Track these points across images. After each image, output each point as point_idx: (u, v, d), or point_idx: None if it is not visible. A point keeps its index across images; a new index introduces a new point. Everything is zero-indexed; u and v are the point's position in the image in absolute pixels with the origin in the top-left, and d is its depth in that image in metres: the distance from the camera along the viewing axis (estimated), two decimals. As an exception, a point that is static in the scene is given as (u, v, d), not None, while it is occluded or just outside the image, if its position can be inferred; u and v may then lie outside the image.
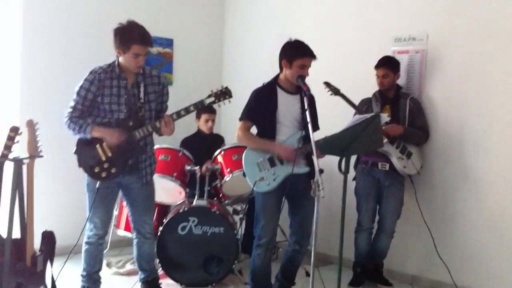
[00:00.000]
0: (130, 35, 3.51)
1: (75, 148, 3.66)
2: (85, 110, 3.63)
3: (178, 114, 3.68)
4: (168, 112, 3.82)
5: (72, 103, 3.63)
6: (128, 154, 3.64)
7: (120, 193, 3.90)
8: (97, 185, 3.64)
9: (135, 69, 3.62)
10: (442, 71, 4.62)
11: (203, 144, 5.10)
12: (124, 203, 4.55)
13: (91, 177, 3.65)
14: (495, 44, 4.33)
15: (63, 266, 3.76)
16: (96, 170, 3.60)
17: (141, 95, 3.67)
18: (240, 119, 3.89)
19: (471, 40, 4.45)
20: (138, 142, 3.65)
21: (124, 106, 3.63)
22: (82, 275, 3.83)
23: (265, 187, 3.78)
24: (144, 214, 3.88)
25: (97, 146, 3.58)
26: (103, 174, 3.60)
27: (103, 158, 3.59)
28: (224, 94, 3.76)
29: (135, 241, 3.96)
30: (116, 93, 3.62)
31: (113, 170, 3.61)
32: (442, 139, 4.62)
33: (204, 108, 5.03)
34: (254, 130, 3.95)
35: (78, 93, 3.61)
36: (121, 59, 3.62)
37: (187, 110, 3.68)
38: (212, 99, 3.75)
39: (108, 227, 3.90)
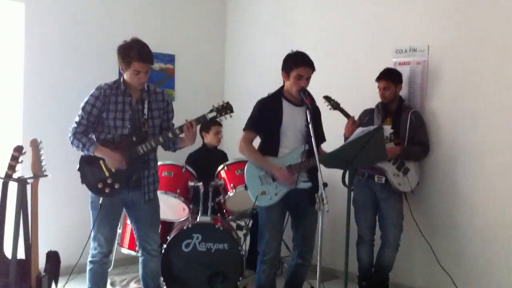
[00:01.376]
0: (130, 52, 3.54)
1: (78, 165, 3.67)
2: (90, 126, 3.64)
3: (181, 129, 3.65)
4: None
5: (77, 119, 3.64)
6: (131, 170, 3.64)
7: (124, 211, 3.88)
8: (101, 201, 3.63)
9: (138, 86, 3.64)
10: (443, 82, 4.62)
11: (210, 159, 5.10)
12: (128, 221, 4.55)
13: (95, 193, 3.64)
14: (496, 55, 4.33)
15: (64, 285, 3.73)
16: (100, 186, 3.60)
17: (145, 111, 3.69)
18: (244, 129, 3.88)
19: (472, 50, 4.46)
20: (141, 158, 3.66)
21: (128, 122, 3.64)
22: (87, 295, 3.81)
23: (266, 201, 3.76)
24: (149, 230, 3.85)
25: (101, 162, 3.59)
26: (107, 190, 3.60)
27: (107, 174, 3.59)
28: (226, 109, 3.77)
29: (140, 259, 3.93)
30: (121, 109, 3.64)
31: (116, 186, 3.61)
32: (441, 152, 4.61)
33: (212, 121, 5.08)
34: (258, 139, 3.95)
35: (83, 108, 3.63)
36: (125, 75, 3.65)
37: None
38: (214, 113, 3.75)
39: (113, 245, 3.88)
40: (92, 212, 3.71)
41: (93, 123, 3.64)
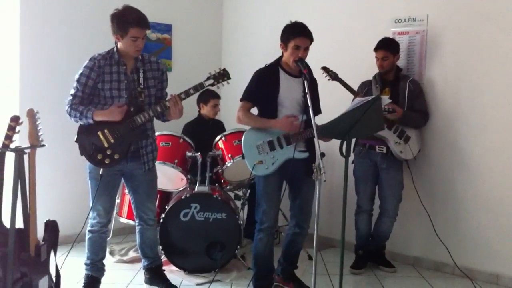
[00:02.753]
0: (127, 18, 3.51)
1: (76, 137, 3.66)
2: (86, 98, 3.62)
3: (179, 97, 3.65)
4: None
5: (73, 91, 3.62)
6: (130, 140, 3.63)
7: (122, 181, 3.89)
8: (101, 172, 3.64)
9: (135, 53, 3.61)
10: (442, 52, 4.60)
11: (206, 130, 5.12)
12: (126, 191, 4.57)
13: (94, 165, 3.64)
14: (494, 25, 4.30)
15: (67, 255, 3.77)
16: (99, 157, 3.59)
17: (141, 80, 3.67)
18: (241, 100, 3.87)
19: (471, 19, 4.43)
20: (139, 127, 3.65)
21: (124, 91, 3.63)
22: (86, 264, 3.84)
23: (263, 171, 3.77)
24: (147, 200, 3.88)
25: (99, 133, 3.58)
26: (107, 161, 3.60)
27: (106, 145, 3.59)
28: (223, 76, 3.75)
29: (138, 228, 3.97)
30: (116, 79, 3.62)
31: (116, 156, 3.61)
32: (441, 121, 4.62)
33: (212, 94, 5.08)
34: (255, 112, 3.93)
35: (78, 81, 3.60)
36: (119, 44, 3.62)
37: (187, 93, 3.67)
38: (211, 81, 3.73)
39: (112, 215, 3.91)
40: (90, 183, 3.73)
41: (89, 95, 3.62)
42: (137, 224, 3.97)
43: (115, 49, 3.66)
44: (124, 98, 3.62)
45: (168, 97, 3.71)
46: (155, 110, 3.64)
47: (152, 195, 3.95)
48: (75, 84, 3.61)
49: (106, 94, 3.61)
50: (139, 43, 3.57)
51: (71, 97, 3.61)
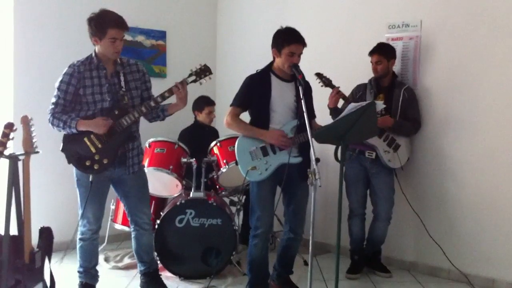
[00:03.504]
0: (104, 19, 3.52)
1: (62, 146, 3.62)
2: (67, 105, 3.58)
3: (162, 96, 3.64)
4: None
5: (54, 99, 3.58)
6: (118, 143, 3.61)
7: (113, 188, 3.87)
8: (90, 179, 3.60)
9: (113, 55, 3.60)
10: (436, 57, 4.62)
11: (202, 136, 5.12)
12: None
13: (83, 172, 3.60)
14: (488, 30, 4.32)
15: (61, 262, 3.75)
16: (88, 163, 3.56)
17: (122, 83, 3.66)
18: (231, 105, 3.86)
19: (465, 25, 4.45)
20: (126, 130, 3.63)
21: (107, 94, 3.61)
22: (79, 271, 3.81)
23: (257, 176, 3.77)
24: (139, 204, 3.86)
25: (85, 139, 3.56)
26: (96, 166, 3.57)
27: (93, 150, 3.56)
28: (204, 71, 3.76)
29: (133, 234, 3.95)
30: (98, 83, 3.60)
31: (105, 161, 3.58)
32: (432, 127, 4.63)
33: (207, 101, 5.10)
34: (247, 118, 3.93)
35: (58, 88, 3.57)
36: (98, 48, 3.60)
37: (170, 91, 3.66)
38: (193, 77, 3.74)
39: (101, 221, 3.86)
40: (78, 190, 3.69)
41: (71, 102, 3.58)
42: (132, 229, 3.95)
43: (93, 54, 3.64)
44: (107, 102, 3.60)
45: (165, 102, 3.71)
46: (140, 111, 3.62)
47: (145, 199, 3.92)
48: (56, 92, 3.57)
49: (88, 99, 3.57)
50: (118, 44, 3.55)
51: (52, 106, 3.57)
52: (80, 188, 3.67)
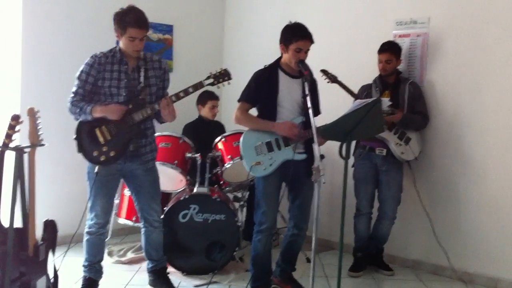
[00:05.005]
0: (126, 18, 3.52)
1: (75, 134, 3.65)
2: (87, 95, 3.62)
3: (177, 96, 3.65)
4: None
5: (74, 88, 3.64)
6: (128, 137, 3.62)
7: (123, 182, 3.88)
8: (96, 170, 3.61)
9: (133, 53, 3.62)
10: (444, 54, 4.59)
11: (206, 131, 5.11)
12: (126, 192, 4.57)
13: (90, 161, 3.63)
14: (497, 27, 4.30)
15: (64, 256, 3.76)
16: (95, 153, 3.58)
17: (141, 79, 3.67)
18: (239, 100, 3.86)
19: (473, 22, 4.43)
20: (137, 125, 3.64)
21: (123, 89, 3.62)
22: (84, 265, 3.82)
23: (261, 172, 3.77)
24: (150, 201, 3.85)
25: (96, 129, 3.58)
26: (102, 158, 3.58)
27: (102, 141, 3.58)
28: (223, 75, 3.75)
29: (143, 230, 3.94)
30: (117, 77, 3.62)
31: (112, 154, 3.58)
32: (442, 123, 4.61)
33: (210, 95, 5.07)
34: (255, 113, 3.93)
35: (79, 78, 3.63)
36: (120, 43, 3.62)
37: (186, 92, 3.66)
38: (211, 80, 3.73)
39: (110, 216, 3.88)
40: (89, 183, 3.71)
41: (90, 92, 3.63)
42: (142, 226, 3.94)
43: (117, 48, 3.67)
44: (122, 97, 3.62)
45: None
46: (153, 107, 3.63)
47: (156, 196, 3.91)
48: (76, 82, 3.64)
49: (105, 91, 3.61)
50: (137, 43, 3.56)
51: (72, 94, 3.63)
52: (90, 181, 3.69)
